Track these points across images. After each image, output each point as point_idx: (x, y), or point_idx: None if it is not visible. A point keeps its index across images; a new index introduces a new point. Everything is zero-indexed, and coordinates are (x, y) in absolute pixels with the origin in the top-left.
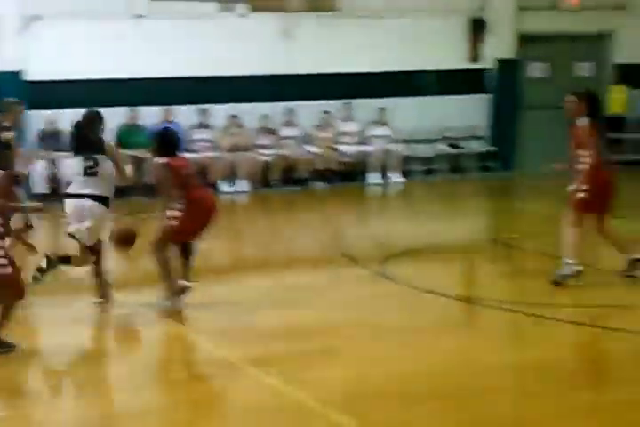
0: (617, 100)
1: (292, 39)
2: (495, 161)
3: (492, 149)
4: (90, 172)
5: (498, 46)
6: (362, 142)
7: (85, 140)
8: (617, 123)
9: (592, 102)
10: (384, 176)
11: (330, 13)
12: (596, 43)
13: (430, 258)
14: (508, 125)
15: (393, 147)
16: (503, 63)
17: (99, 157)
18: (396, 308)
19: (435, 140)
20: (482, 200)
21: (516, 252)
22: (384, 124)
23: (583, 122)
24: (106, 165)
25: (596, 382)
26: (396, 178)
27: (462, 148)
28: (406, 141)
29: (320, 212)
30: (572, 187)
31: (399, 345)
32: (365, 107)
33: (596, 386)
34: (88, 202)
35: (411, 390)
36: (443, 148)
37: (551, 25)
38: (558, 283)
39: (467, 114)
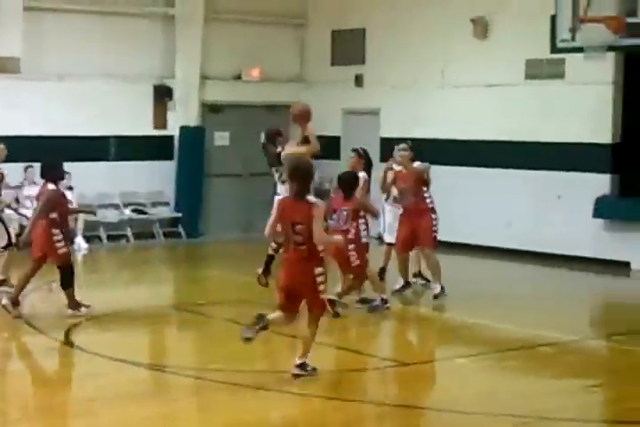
0: None
1: None
2: (181, 227)
3: (178, 215)
4: None
5: (183, 114)
6: None
7: None
8: None
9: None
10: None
11: (10, 75)
12: (274, 113)
13: (116, 326)
14: (192, 192)
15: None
16: (188, 131)
17: None
18: (84, 378)
19: (120, 206)
20: (167, 267)
21: (201, 318)
22: (69, 188)
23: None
24: None
25: None
26: (80, 244)
27: (148, 213)
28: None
29: None
30: None
31: (80, 416)
32: None
33: None
34: None
35: None
36: (128, 213)
37: (235, 95)
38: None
39: (153, 180)
